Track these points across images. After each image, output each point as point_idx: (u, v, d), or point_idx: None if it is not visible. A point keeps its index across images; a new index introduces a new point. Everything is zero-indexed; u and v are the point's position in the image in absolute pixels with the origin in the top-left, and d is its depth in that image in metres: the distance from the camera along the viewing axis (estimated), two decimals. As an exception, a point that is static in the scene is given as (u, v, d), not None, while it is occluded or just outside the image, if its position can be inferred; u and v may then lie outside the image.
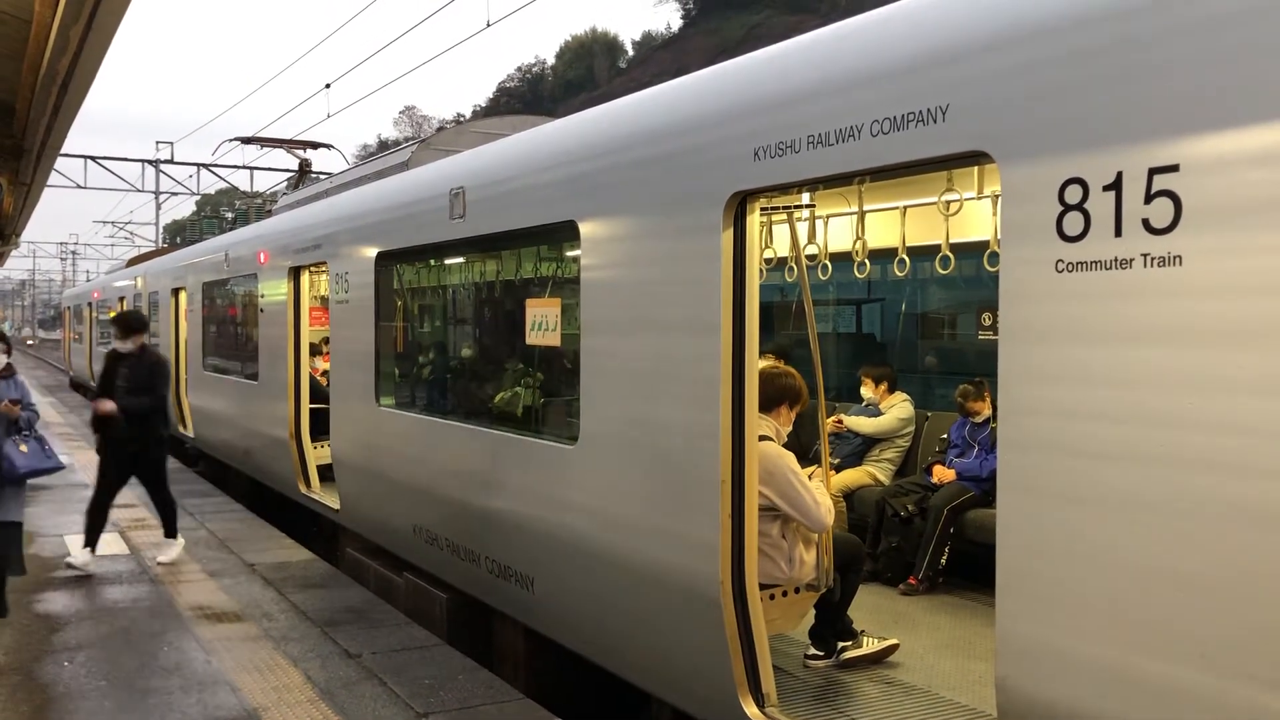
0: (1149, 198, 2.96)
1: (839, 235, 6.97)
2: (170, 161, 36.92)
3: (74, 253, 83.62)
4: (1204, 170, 2.85)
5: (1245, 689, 2.80)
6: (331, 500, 9.60)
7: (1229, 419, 2.81)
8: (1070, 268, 3.17)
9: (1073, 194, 3.16)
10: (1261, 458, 2.74)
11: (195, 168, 36.52)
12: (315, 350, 12.11)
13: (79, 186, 34.24)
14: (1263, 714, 2.77)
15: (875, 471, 7.80)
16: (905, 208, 6.58)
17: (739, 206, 4.53)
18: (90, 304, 28.64)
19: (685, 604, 4.81)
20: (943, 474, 7.22)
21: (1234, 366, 2.79)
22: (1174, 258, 2.91)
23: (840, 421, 7.97)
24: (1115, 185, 3.04)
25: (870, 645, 5.44)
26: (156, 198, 41.39)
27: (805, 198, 5.64)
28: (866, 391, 8.02)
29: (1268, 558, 2.74)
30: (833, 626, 5.46)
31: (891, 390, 7.99)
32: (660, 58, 73.93)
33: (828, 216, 6.99)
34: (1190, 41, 2.90)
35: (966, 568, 6.87)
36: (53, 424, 20.34)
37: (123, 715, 5.33)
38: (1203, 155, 2.85)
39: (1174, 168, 2.90)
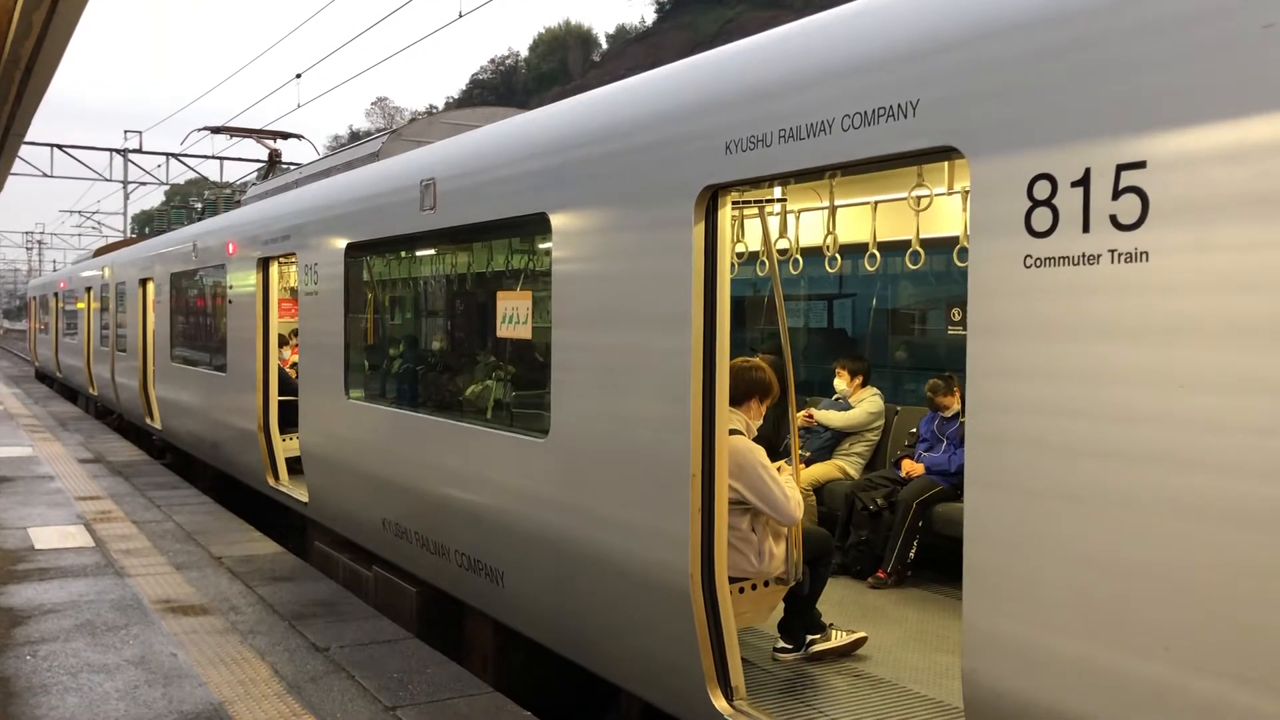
0: (1116, 194, 2.98)
1: (810, 230, 6.99)
2: (139, 151, 36.45)
3: (40, 242, 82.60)
4: (1171, 167, 2.86)
5: (1208, 683, 2.83)
6: (300, 493, 9.54)
7: (1194, 415, 2.83)
8: (1038, 263, 3.18)
9: (1041, 189, 3.17)
10: (1227, 453, 2.77)
11: (164, 157, 36.11)
12: (283, 342, 12.02)
13: (45, 175, 33.81)
14: (1225, 708, 2.80)
15: (845, 465, 7.83)
16: (876, 203, 6.60)
17: (710, 200, 4.52)
18: (56, 294, 28.30)
19: (655, 597, 4.81)
20: (912, 468, 7.26)
21: (1199, 363, 2.82)
22: (1141, 254, 2.93)
23: (810, 415, 8.00)
24: (1083, 181, 3.06)
25: (839, 638, 5.47)
26: (124, 187, 40.92)
27: (777, 192, 5.65)
28: (840, 383, 8.05)
29: (1233, 553, 2.76)
30: (802, 619, 5.48)
31: (865, 384, 8.03)
32: (634, 51, 73.86)
33: (799, 211, 7.00)
34: (1158, 38, 2.92)
35: (935, 561, 6.91)
36: (17, 415, 20.10)
37: (87, 710, 5.27)
38: (1169, 152, 2.87)
39: (1141, 164, 2.92)
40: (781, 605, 5.40)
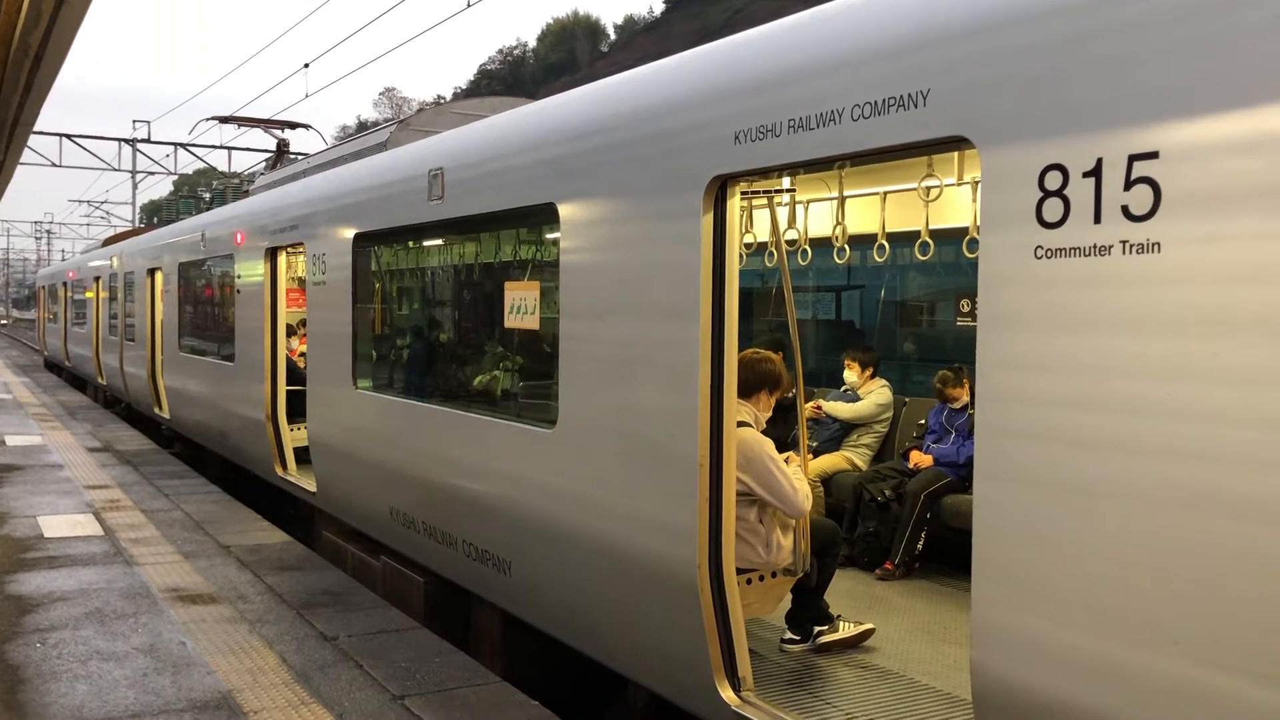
0: (1128, 184, 2.96)
1: (819, 220, 6.97)
2: (147, 140, 36.57)
3: (49, 232, 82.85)
4: (1183, 157, 2.84)
5: (1216, 676, 2.82)
6: (308, 483, 9.55)
7: (1205, 407, 2.82)
8: (1049, 254, 3.16)
9: (1053, 180, 3.15)
10: (1237, 447, 2.75)
11: (172, 147, 36.22)
12: (291, 331, 12.02)
13: (54, 165, 33.91)
14: (1233, 701, 2.79)
15: (853, 457, 7.82)
16: (885, 193, 6.58)
17: (719, 190, 4.51)
18: (65, 284, 28.36)
19: (662, 588, 4.81)
20: (920, 459, 7.25)
21: (1210, 355, 2.80)
22: (1153, 245, 2.91)
23: (819, 407, 7.98)
24: (1095, 171, 3.04)
25: (846, 630, 5.46)
26: (133, 177, 41.01)
27: (786, 182, 5.63)
28: (851, 375, 8.02)
29: (1242, 547, 2.75)
30: (809, 611, 5.48)
31: (874, 375, 8.01)
32: (642, 42, 73.84)
33: (808, 201, 6.98)
34: (1172, 28, 2.90)
35: (943, 553, 6.90)
36: (26, 404, 20.17)
37: (96, 697, 5.30)
38: (1182, 142, 2.85)
39: (1154, 155, 2.90)
40: (789, 597, 5.40)
